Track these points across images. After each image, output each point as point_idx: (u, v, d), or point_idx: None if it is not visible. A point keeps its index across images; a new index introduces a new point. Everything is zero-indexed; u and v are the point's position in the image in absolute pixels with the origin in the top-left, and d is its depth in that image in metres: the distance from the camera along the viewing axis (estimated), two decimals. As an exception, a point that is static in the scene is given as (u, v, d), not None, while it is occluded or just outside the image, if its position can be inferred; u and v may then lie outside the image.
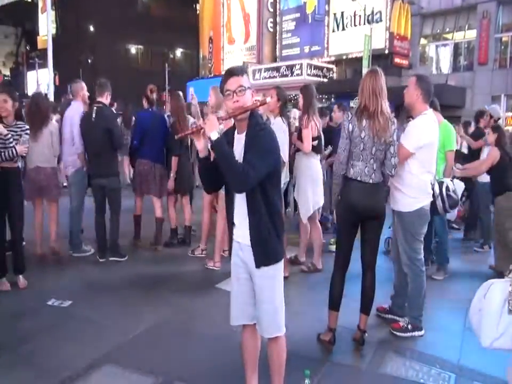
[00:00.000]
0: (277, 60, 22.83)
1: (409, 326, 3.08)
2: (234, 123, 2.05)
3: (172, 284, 4.04)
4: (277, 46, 23.61)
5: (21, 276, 3.82)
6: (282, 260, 2.09)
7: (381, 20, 19.29)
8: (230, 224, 2.13)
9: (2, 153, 3.52)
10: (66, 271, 4.33)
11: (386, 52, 19.09)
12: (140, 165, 4.89)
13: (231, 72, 1.98)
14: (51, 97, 9.58)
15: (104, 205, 4.62)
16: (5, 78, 21.06)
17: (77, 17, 35.30)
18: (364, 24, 19.41)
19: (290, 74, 20.25)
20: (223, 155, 1.88)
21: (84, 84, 4.85)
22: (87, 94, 4.85)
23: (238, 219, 2.07)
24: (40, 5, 36.00)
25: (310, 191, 4.18)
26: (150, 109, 4.95)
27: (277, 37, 23.64)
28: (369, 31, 17.57)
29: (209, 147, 1.95)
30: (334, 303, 2.93)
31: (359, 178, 2.74)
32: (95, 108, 4.47)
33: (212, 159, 2.03)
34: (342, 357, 2.81)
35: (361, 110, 2.70)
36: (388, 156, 2.75)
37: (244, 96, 1.94)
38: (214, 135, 1.88)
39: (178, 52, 42.23)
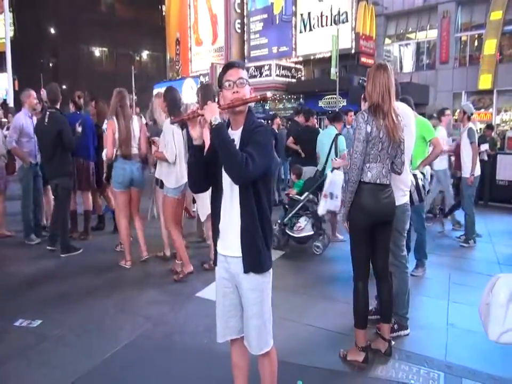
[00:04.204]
0: (246, 60, 22.78)
1: (395, 326, 3.06)
2: (228, 119, 1.98)
3: (148, 293, 3.86)
4: (245, 47, 23.59)
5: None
6: (271, 271, 1.99)
7: (347, 21, 19.61)
8: (215, 231, 2.01)
9: None
10: (30, 284, 4.06)
11: (353, 51, 19.43)
12: (77, 162, 5.32)
13: (232, 64, 1.94)
14: (11, 103, 9.12)
15: None
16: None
17: (37, 19, 34.01)
18: (331, 24, 19.68)
19: (259, 75, 20.28)
20: (224, 141, 1.77)
21: (31, 92, 5.39)
22: (34, 101, 5.38)
23: (224, 226, 1.96)
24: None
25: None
26: (78, 112, 5.46)
27: (245, 38, 23.61)
28: (336, 31, 17.81)
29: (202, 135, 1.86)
30: (362, 321, 2.73)
31: (378, 181, 2.63)
32: (47, 113, 4.78)
33: (204, 151, 1.92)
34: (330, 363, 2.74)
35: (375, 108, 2.59)
36: (398, 153, 2.68)
37: (243, 88, 1.90)
38: (215, 120, 1.79)
39: (145, 54, 41.41)
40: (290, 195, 5.36)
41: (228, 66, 1.94)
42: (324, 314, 3.43)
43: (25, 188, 5.30)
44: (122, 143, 4.29)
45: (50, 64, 35.10)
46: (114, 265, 4.57)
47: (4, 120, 7.01)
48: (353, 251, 2.81)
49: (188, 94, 18.40)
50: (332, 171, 4.79)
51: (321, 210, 4.84)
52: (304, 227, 4.99)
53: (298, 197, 5.16)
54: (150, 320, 3.35)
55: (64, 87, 30.58)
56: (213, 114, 1.80)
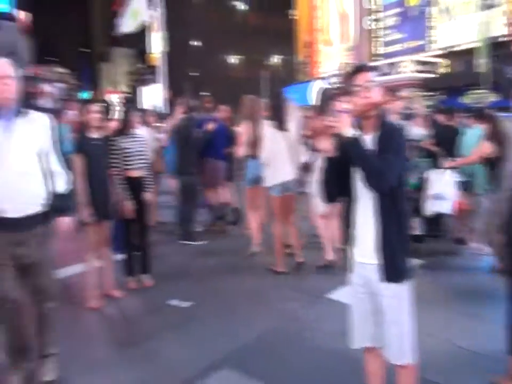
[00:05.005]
0: (378, 58, 21.90)
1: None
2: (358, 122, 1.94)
3: (279, 290, 4.03)
4: (377, 44, 22.68)
5: (147, 276, 4.16)
6: (410, 280, 1.91)
7: (498, 4, 17.31)
8: (349, 238, 2.00)
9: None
10: (188, 272, 4.58)
11: (506, 39, 17.05)
12: (208, 162, 5.71)
13: (359, 68, 1.92)
14: (165, 109, 10.41)
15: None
16: (127, 94, 23.74)
17: (183, 34, 38.05)
18: (477, 11, 17.61)
19: (393, 73, 19.27)
20: (362, 154, 1.78)
21: (180, 100, 5.90)
22: (182, 109, 5.80)
23: (360, 233, 1.94)
24: (151, 25, 39.51)
25: None
26: (209, 116, 5.96)
27: (377, 35, 22.71)
28: (483, 18, 15.86)
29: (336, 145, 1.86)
30: None
31: None
32: (182, 118, 5.47)
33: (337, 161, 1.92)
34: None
35: None
36: None
37: (373, 91, 1.86)
38: (350, 132, 1.79)
39: (275, 59, 43.02)
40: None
41: (355, 70, 1.91)
42: (468, 333, 3.11)
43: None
44: (251, 144, 4.70)
45: (195, 74, 38.87)
46: (249, 256, 4.91)
47: (158, 125, 7.96)
48: (506, 266, 2.51)
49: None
50: (442, 171, 4.63)
51: (427, 210, 4.66)
52: (416, 226, 4.87)
53: (414, 195, 4.95)
54: (282, 314, 3.50)
55: (205, 94, 33.60)
56: (346, 126, 1.79)
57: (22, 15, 17.65)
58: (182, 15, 34.99)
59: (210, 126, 5.62)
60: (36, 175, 2.45)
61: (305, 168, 4.55)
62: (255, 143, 4.67)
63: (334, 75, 22.67)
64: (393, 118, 4.18)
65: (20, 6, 17.04)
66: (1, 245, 2.39)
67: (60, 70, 18.08)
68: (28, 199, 2.40)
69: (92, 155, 3.56)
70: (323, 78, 23.22)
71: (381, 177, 1.73)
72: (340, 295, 3.61)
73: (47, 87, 14.02)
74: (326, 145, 1.88)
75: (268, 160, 4.32)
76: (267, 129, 4.34)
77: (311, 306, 3.64)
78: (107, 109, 4.78)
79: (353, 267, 2.01)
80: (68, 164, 3.91)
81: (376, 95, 1.86)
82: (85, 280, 3.71)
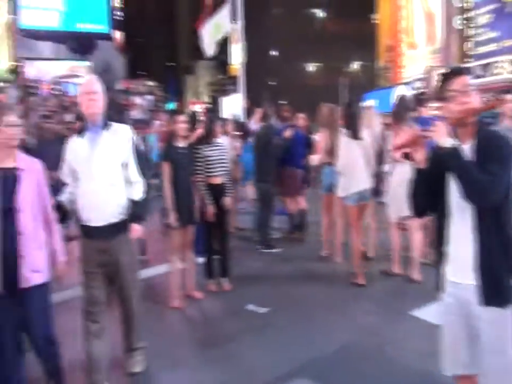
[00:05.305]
0: (468, 59, 20.39)
1: None
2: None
3: (357, 302, 3.91)
4: (468, 45, 21.13)
5: (226, 279, 4.28)
6: None
7: None
8: (441, 254, 1.84)
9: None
10: (265, 278, 4.64)
11: None
12: (287, 170, 5.70)
13: (456, 71, 1.78)
14: (244, 119, 10.68)
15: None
16: (208, 105, 24.93)
17: (262, 44, 38.95)
18: None
19: (487, 75, 17.82)
20: (463, 166, 1.64)
21: (258, 110, 6.21)
22: (259, 116, 6.00)
23: (454, 250, 1.78)
24: (231, 37, 41.09)
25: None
26: (287, 124, 5.93)
27: (468, 34, 21.17)
28: None
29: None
30: None
31: None
32: (263, 126, 5.62)
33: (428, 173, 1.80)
34: None
35: None
36: None
37: (472, 96, 1.71)
38: (448, 142, 1.67)
39: (355, 65, 42.14)
40: None
41: (451, 74, 1.77)
42: None
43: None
44: (328, 152, 4.73)
45: (273, 83, 39.52)
46: (328, 263, 4.90)
47: (237, 133, 8.19)
48: None
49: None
50: None
51: None
52: None
53: None
54: (361, 327, 3.40)
55: (283, 102, 33.92)
56: (443, 136, 1.68)
57: (117, 34, 19.42)
58: (261, 25, 35.79)
59: (288, 133, 5.65)
60: (119, 186, 2.60)
61: (383, 177, 4.41)
62: (332, 151, 4.65)
63: (419, 79, 21.58)
64: (509, 123, 3.84)
65: (115, 27, 18.76)
66: (88, 253, 2.59)
67: (149, 83, 19.52)
68: (111, 209, 2.56)
69: (178, 163, 3.76)
70: (407, 83, 22.20)
71: (485, 191, 1.59)
72: (425, 313, 3.40)
73: (137, 100, 15.22)
74: (418, 156, 1.78)
75: (343, 169, 4.27)
76: (342, 137, 4.30)
77: (392, 322, 3.47)
78: (192, 119, 5.04)
79: (445, 286, 1.85)
80: (156, 172, 4.22)
81: (474, 100, 1.71)
82: (169, 281, 3.91)
